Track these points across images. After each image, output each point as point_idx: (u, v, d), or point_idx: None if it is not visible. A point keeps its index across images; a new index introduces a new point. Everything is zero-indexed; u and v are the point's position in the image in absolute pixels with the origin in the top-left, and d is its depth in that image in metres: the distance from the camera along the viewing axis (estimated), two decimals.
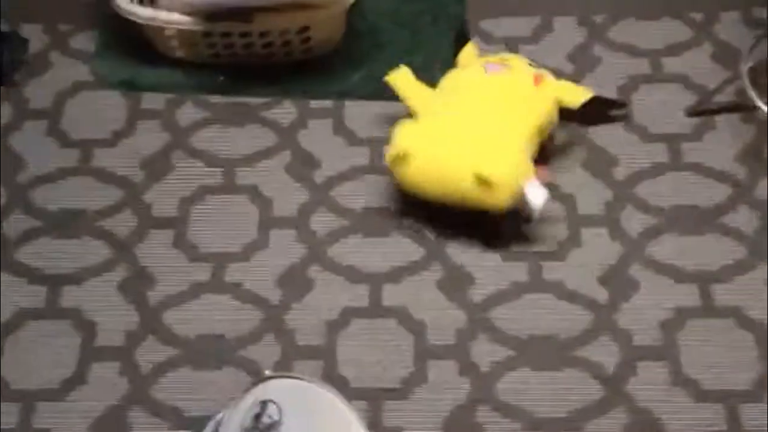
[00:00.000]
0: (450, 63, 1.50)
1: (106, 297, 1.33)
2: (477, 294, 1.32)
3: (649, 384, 1.23)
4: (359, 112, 1.51)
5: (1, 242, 1.38)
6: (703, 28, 1.57)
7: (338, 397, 1.12)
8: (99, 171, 1.47)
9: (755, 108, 1.39)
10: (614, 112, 1.47)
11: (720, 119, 1.47)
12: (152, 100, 1.55)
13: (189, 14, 1.50)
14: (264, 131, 1.50)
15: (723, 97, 1.47)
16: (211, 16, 1.49)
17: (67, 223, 1.41)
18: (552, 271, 1.33)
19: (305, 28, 1.51)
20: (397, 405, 1.22)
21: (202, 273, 1.35)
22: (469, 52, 1.50)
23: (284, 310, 1.31)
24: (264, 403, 1.09)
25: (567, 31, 1.59)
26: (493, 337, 1.27)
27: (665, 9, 1.60)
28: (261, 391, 1.11)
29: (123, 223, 1.40)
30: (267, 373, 1.14)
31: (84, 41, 1.62)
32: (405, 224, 1.37)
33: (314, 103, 1.53)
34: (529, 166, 1.32)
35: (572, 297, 1.31)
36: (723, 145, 1.44)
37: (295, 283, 1.34)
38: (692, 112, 1.48)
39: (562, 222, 1.38)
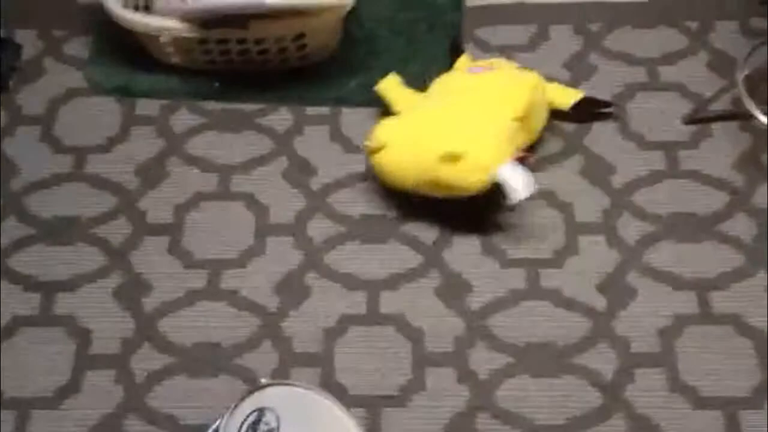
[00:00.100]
0: (446, 71, 1.50)
1: (101, 304, 1.32)
2: (475, 301, 1.31)
3: (647, 391, 1.22)
4: (355, 119, 1.51)
5: None
6: (699, 37, 1.58)
7: (336, 404, 1.11)
8: (93, 177, 1.46)
9: (751, 117, 1.40)
10: (604, 110, 1.48)
11: (717, 127, 1.47)
12: (147, 107, 1.54)
13: (184, 21, 1.49)
14: (260, 138, 1.50)
15: (719, 106, 1.47)
16: (206, 22, 1.49)
17: (61, 230, 1.39)
18: (549, 278, 1.33)
19: (301, 35, 1.51)
20: (396, 412, 1.22)
21: (197, 280, 1.34)
22: (464, 62, 1.51)
23: (281, 317, 1.30)
24: (261, 411, 1.08)
25: (563, 40, 1.59)
26: (491, 345, 1.27)
27: (661, 17, 1.61)
28: (258, 399, 1.10)
29: (117, 230, 1.39)
30: (264, 380, 1.13)
31: (78, 47, 1.61)
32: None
33: (310, 110, 1.53)
34: (507, 148, 1.31)
35: (570, 304, 1.30)
36: (720, 152, 1.45)
37: (292, 290, 1.33)
38: (689, 120, 1.48)
39: (560, 229, 1.38)
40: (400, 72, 1.53)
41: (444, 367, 1.25)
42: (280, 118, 1.52)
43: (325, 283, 1.33)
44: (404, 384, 1.24)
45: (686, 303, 1.30)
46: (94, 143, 1.50)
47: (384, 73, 1.50)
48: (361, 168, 1.45)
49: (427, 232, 1.37)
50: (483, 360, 1.26)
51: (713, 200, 1.40)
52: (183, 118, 1.53)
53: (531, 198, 1.30)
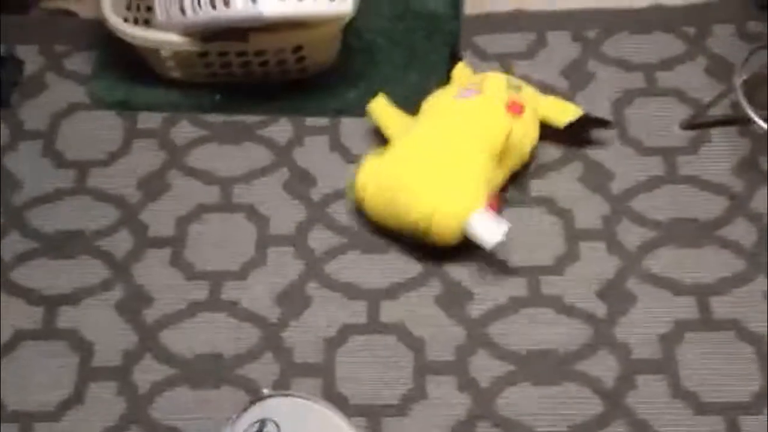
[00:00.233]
0: (445, 80, 1.50)
1: (103, 317, 1.33)
2: (475, 309, 1.31)
3: (648, 397, 1.22)
4: (355, 129, 1.51)
5: None
6: (697, 42, 1.58)
7: (337, 414, 1.11)
8: (95, 191, 1.47)
9: (750, 121, 1.40)
10: (601, 131, 1.47)
11: (715, 132, 1.47)
12: (148, 120, 1.55)
13: (184, 35, 1.50)
14: (260, 149, 1.51)
15: (718, 110, 1.47)
16: (206, 36, 1.50)
17: (64, 244, 1.40)
18: (550, 285, 1.33)
19: (300, 47, 1.52)
20: (397, 422, 1.22)
21: (199, 292, 1.35)
22: (462, 69, 1.51)
23: (282, 327, 1.31)
24: (263, 422, 1.08)
25: (561, 47, 1.60)
26: (492, 353, 1.27)
27: (658, 23, 1.61)
28: (259, 410, 1.11)
29: (120, 243, 1.40)
30: (265, 391, 1.13)
31: (79, 62, 1.62)
32: None
33: (310, 121, 1.53)
34: (480, 199, 1.31)
35: (570, 311, 1.30)
36: (719, 158, 1.45)
37: (293, 300, 1.33)
38: (687, 126, 1.48)
39: (560, 236, 1.38)
40: (400, 82, 1.54)
41: (445, 376, 1.25)
42: (280, 129, 1.53)
43: (325, 293, 1.34)
44: (405, 393, 1.24)
45: (686, 309, 1.30)
46: (96, 157, 1.51)
47: (383, 83, 1.51)
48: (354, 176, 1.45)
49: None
50: (484, 368, 1.26)
51: (713, 205, 1.40)
52: (184, 131, 1.54)
53: (504, 241, 1.30)
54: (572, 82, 1.55)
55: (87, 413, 1.24)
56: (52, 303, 1.34)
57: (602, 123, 1.46)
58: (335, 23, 1.50)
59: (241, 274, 1.36)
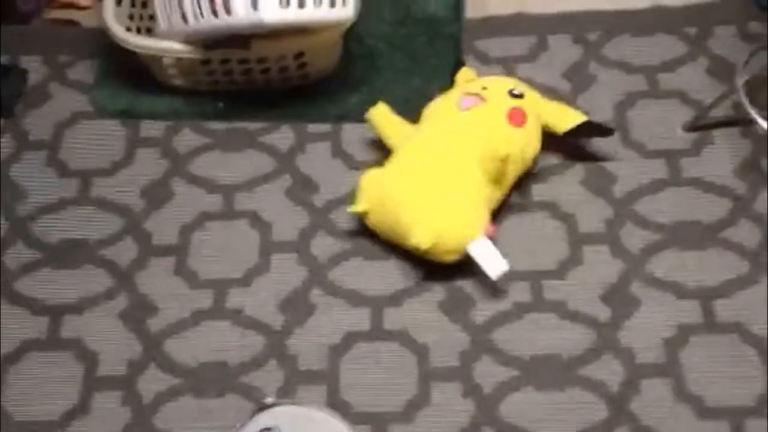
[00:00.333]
0: (448, 84, 1.50)
1: (108, 326, 1.33)
2: (479, 315, 1.31)
3: (653, 401, 1.22)
4: (357, 135, 1.51)
5: (0, 273, 1.38)
6: (698, 43, 1.58)
7: (342, 422, 1.12)
8: (99, 200, 1.47)
9: (752, 122, 1.39)
10: (601, 139, 1.46)
11: (718, 134, 1.47)
12: (151, 128, 1.55)
13: (186, 42, 1.50)
14: (263, 156, 1.51)
15: (720, 112, 1.47)
16: (209, 43, 1.50)
17: (68, 253, 1.41)
18: (553, 290, 1.33)
19: (301, 54, 1.52)
20: (402, 429, 1.22)
21: (203, 300, 1.35)
22: (465, 73, 1.51)
23: (286, 335, 1.31)
24: (268, 430, 1.09)
25: (562, 49, 1.59)
26: (496, 358, 1.27)
27: (659, 25, 1.61)
28: (264, 419, 1.11)
29: (124, 252, 1.41)
30: (269, 400, 1.14)
31: (82, 72, 1.63)
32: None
33: (312, 127, 1.53)
34: (480, 224, 1.31)
35: (574, 316, 1.30)
36: (722, 159, 1.44)
37: (296, 307, 1.34)
38: (690, 128, 1.48)
39: (563, 240, 1.38)
40: (402, 87, 1.54)
41: (449, 382, 1.25)
42: (282, 136, 1.53)
43: (329, 300, 1.34)
44: (410, 399, 1.24)
45: (690, 312, 1.29)
46: (100, 166, 1.51)
47: (385, 89, 1.51)
48: (356, 189, 1.45)
49: None
50: (488, 374, 1.26)
51: (716, 207, 1.39)
52: (187, 139, 1.54)
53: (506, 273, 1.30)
54: (574, 84, 1.55)
55: (92, 423, 1.24)
56: (56, 313, 1.35)
57: (604, 131, 1.45)
58: (336, 29, 1.50)
59: (245, 282, 1.37)
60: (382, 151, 1.46)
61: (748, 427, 1.19)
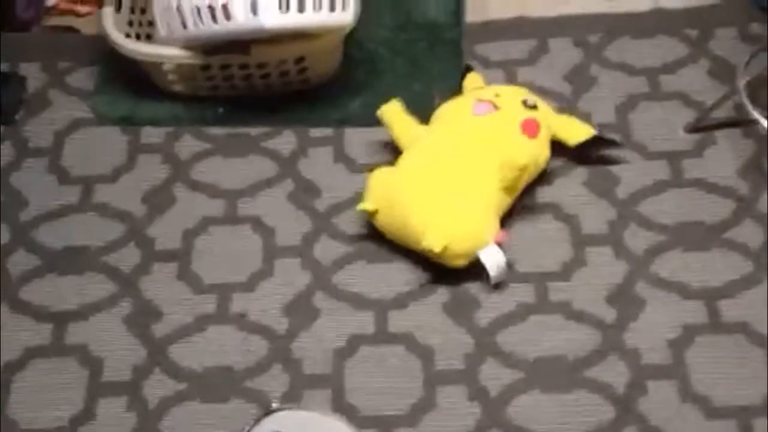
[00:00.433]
0: (448, 89, 1.50)
1: (112, 332, 1.33)
2: (484, 317, 1.31)
3: (659, 402, 1.22)
4: (359, 140, 1.51)
5: (1, 281, 1.38)
6: (699, 45, 1.58)
7: (347, 426, 1.11)
8: (101, 207, 1.47)
9: (754, 122, 1.40)
10: (609, 151, 1.46)
11: (720, 134, 1.47)
12: (151, 134, 1.55)
13: (186, 48, 1.50)
14: (264, 161, 1.51)
15: (721, 113, 1.47)
16: (208, 49, 1.50)
17: (71, 260, 1.40)
18: (558, 291, 1.33)
19: (302, 59, 1.52)
20: None
21: (207, 305, 1.35)
22: (473, 78, 1.51)
23: (291, 339, 1.31)
24: None
25: (563, 52, 1.60)
26: (501, 361, 1.27)
27: (660, 27, 1.61)
28: (269, 423, 1.11)
29: (127, 258, 1.40)
30: (275, 405, 1.13)
31: (82, 78, 1.63)
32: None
33: (314, 132, 1.53)
34: (489, 230, 1.31)
35: (579, 317, 1.30)
36: (724, 160, 1.45)
37: (300, 311, 1.33)
38: (692, 129, 1.48)
39: (567, 242, 1.38)
40: (403, 91, 1.54)
41: (454, 385, 1.25)
42: (284, 140, 1.53)
43: (333, 304, 1.34)
44: (415, 403, 1.24)
45: (695, 312, 1.29)
46: (101, 173, 1.51)
47: (386, 93, 1.51)
48: (365, 187, 1.45)
49: None
50: (493, 376, 1.26)
51: (719, 208, 1.39)
52: (188, 145, 1.54)
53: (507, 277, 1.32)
54: (575, 87, 1.55)
55: (98, 429, 1.24)
56: (60, 320, 1.34)
57: (612, 143, 1.45)
58: (336, 34, 1.50)
59: (249, 286, 1.36)
60: (384, 154, 1.46)
61: (756, 426, 1.19)
